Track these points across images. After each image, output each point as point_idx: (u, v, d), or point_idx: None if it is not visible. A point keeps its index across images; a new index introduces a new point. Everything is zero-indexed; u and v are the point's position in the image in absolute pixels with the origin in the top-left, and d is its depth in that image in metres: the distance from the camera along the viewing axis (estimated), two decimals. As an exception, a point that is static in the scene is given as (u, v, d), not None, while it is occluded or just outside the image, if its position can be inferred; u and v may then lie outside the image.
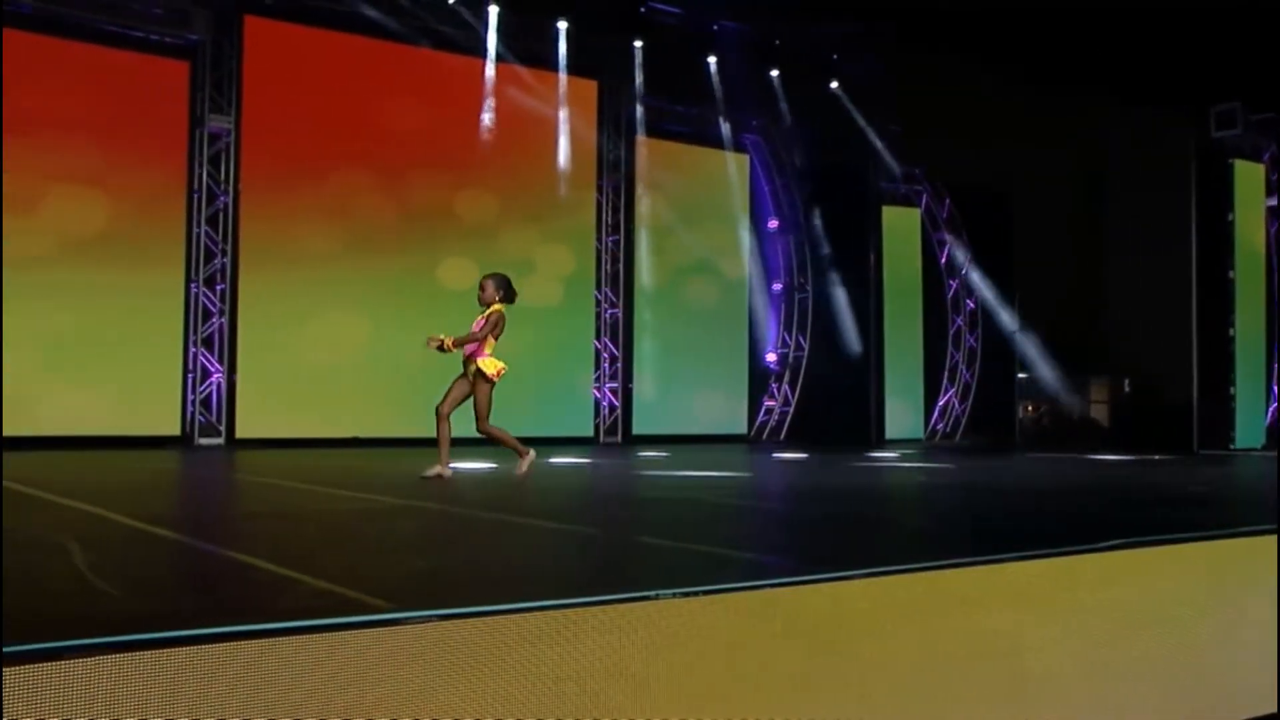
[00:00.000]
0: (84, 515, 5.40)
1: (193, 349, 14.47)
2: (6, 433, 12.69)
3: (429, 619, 2.45)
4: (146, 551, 4.18)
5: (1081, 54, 15.58)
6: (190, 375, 14.46)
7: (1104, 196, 17.80)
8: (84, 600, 2.92)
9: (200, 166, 14.55)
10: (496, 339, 8.11)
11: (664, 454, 13.50)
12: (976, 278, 20.78)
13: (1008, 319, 20.46)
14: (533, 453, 8.55)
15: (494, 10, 16.05)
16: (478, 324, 8.12)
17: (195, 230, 14.51)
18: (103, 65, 13.81)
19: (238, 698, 2.15)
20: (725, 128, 18.90)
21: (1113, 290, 17.42)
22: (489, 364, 8.01)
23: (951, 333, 21.23)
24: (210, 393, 14.58)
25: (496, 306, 8.15)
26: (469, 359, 8.07)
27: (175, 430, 14.28)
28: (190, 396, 14.44)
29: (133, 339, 13.85)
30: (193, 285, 14.48)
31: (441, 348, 8.00)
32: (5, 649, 2.03)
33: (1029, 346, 20.73)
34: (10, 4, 13.26)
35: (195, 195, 14.51)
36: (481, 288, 8.21)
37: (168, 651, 2.14)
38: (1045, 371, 21.19)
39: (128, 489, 7.60)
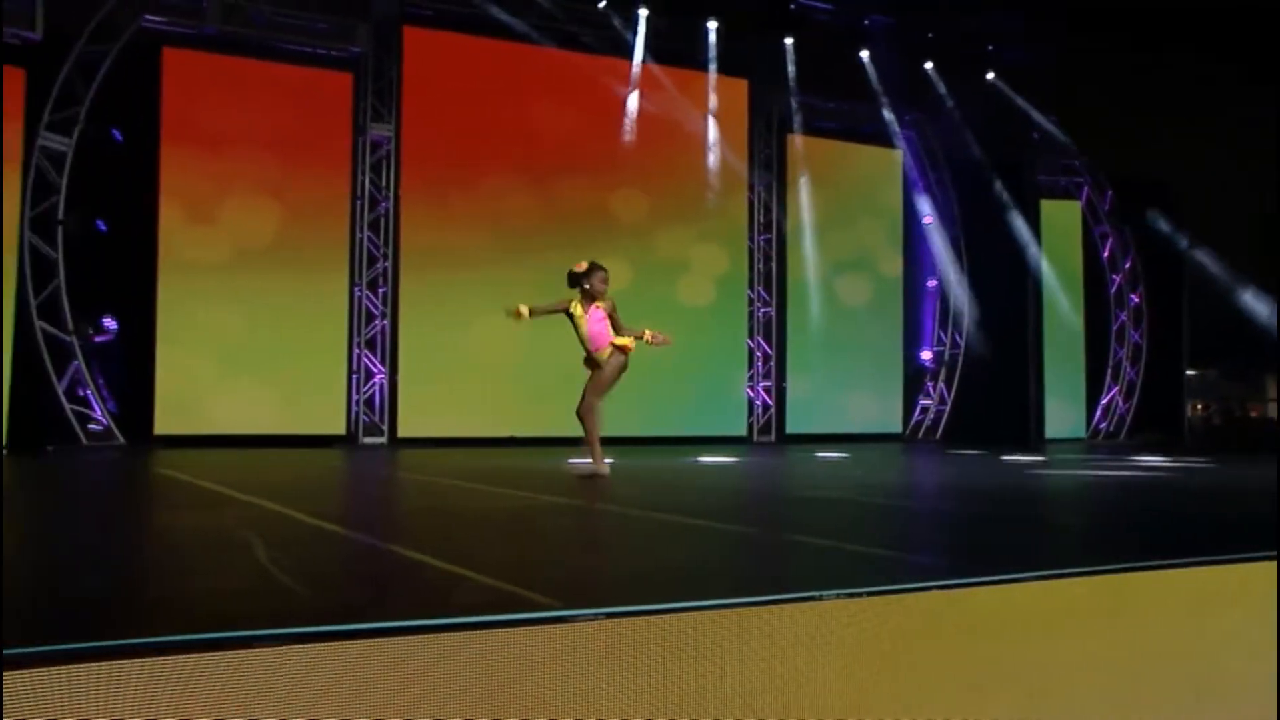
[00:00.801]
0: (263, 511, 5.64)
1: (356, 350, 14.97)
2: (181, 431, 13.40)
3: (596, 617, 2.49)
4: (323, 547, 4.35)
5: (1257, 37, 14.84)
6: (354, 376, 14.96)
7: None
8: (270, 594, 3.06)
9: (363, 174, 15.06)
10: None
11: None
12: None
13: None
14: (608, 471, 7.94)
15: (643, 13, 16.17)
16: (598, 318, 8.02)
17: (358, 235, 15.01)
18: (274, 80, 14.41)
19: (408, 693, 2.21)
20: (880, 122, 18.61)
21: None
22: (624, 340, 7.95)
23: (1114, 329, 20.47)
24: (373, 393, 15.07)
25: (609, 299, 8.05)
26: (599, 349, 8.01)
27: (340, 429, 14.79)
28: (354, 397, 14.95)
29: (300, 341, 14.39)
30: (356, 289, 14.99)
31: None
32: (73, 645, 2.10)
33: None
34: (194, 28, 13.99)
35: (358, 202, 15.02)
36: (596, 279, 8.03)
37: (338, 645, 2.23)
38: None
39: (300, 486, 7.91)
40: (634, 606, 2.56)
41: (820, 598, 2.72)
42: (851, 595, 2.77)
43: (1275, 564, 3.38)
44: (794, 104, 17.78)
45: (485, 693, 2.28)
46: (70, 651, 2.06)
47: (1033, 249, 18.68)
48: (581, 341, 8.13)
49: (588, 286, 8.06)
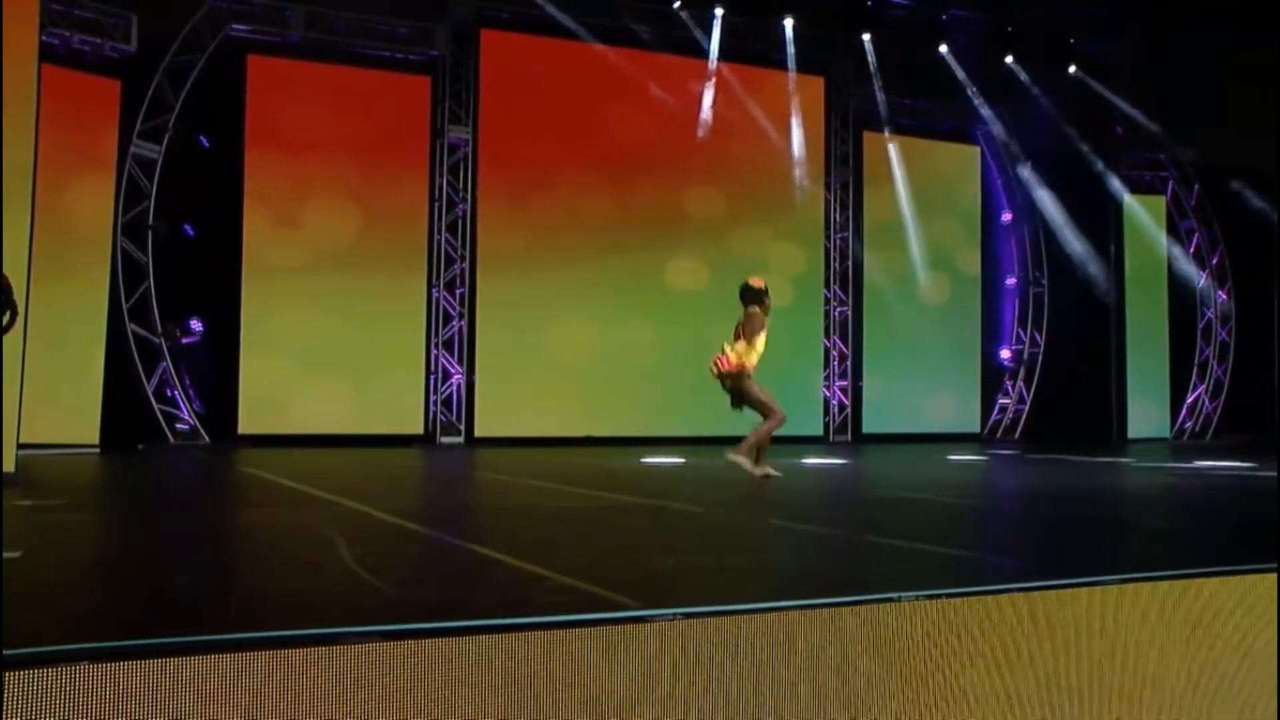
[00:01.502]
0: (345, 510, 5.75)
1: (434, 351, 15.11)
2: (264, 431, 13.66)
3: (673, 617, 2.50)
4: (403, 546, 4.43)
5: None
6: (432, 376, 15.11)
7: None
8: (356, 591, 3.13)
9: (440, 176, 15.20)
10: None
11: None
12: None
13: None
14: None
15: (719, 12, 16.14)
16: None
17: (436, 237, 15.16)
18: (354, 85, 14.59)
19: (482, 689, 2.25)
20: (958, 117, 18.36)
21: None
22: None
23: (1200, 326, 19.96)
24: (451, 393, 15.21)
25: None
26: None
27: (419, 429, 14.92)
28: (432, 397, 15.09)
29: (379, 342, 14.55)
30: (434, 290, 15.13)
31: None
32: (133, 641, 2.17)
33: None
34: (278, 36, 14.28)
35: (436, 204, 15.17)
36: (769, 298, 8.13)
37: (415, 643, 2.27)
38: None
39: (380, 485, 8.03)
40: (711, 608, 2.57)
41: (899, 599, 2.72)
42: (930, 597, 2.76)
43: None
44: (872, 100, 17.58)
45: (561, 690, 2.30)
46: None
47: (1115, 245, 18.30)
48: (752, 353, 8.09)
49: (766, 303, 8.06)
